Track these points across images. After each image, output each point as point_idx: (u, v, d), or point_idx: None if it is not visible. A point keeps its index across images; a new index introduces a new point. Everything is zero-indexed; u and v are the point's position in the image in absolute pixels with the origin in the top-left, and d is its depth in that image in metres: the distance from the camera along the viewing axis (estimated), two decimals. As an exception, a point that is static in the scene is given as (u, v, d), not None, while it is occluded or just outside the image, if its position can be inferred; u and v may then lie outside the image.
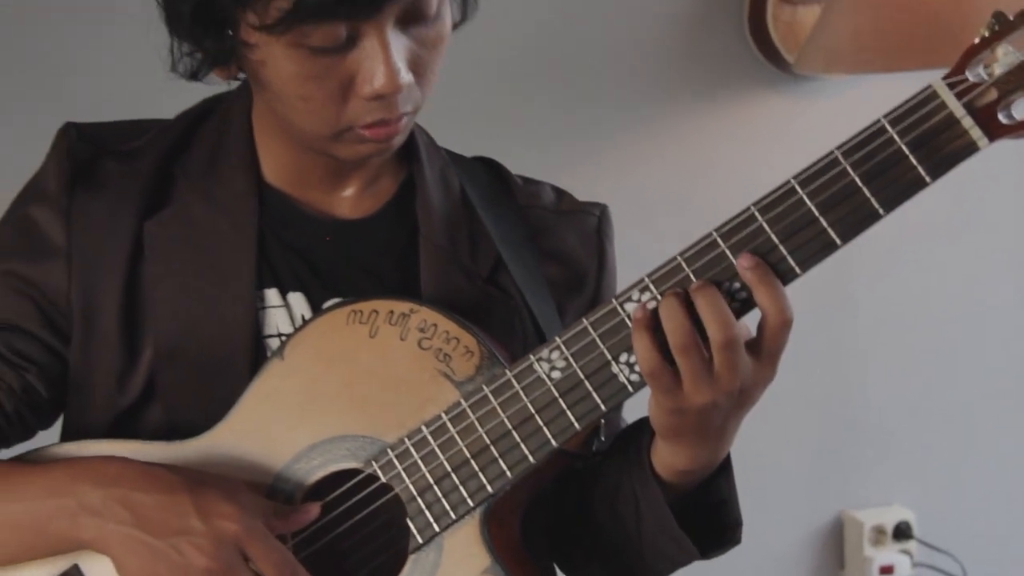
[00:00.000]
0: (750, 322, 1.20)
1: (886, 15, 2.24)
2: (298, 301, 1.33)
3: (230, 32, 1.18)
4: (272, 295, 1.33)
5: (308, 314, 1.32)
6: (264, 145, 1.35)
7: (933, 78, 1.14)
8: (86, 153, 1.33)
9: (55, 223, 1.31)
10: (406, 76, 1.20)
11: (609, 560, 1.39)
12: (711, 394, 1.17)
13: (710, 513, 1.32)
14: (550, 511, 1.39)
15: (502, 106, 2.56)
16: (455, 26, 1.28)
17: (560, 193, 1.47)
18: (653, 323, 1.17)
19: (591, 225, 1.44)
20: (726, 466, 1.31)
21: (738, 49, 2.75)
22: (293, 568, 1.19)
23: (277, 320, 1.32)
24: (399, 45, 1.20)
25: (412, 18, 1.20)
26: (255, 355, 1.30)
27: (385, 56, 1.18)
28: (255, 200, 1.33)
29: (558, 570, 1.45)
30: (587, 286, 1.43)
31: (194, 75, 1.25)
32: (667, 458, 1.27)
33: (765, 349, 1.18)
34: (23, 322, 1.30)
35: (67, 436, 1.34)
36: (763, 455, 2.73)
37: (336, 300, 1.31)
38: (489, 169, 1.47)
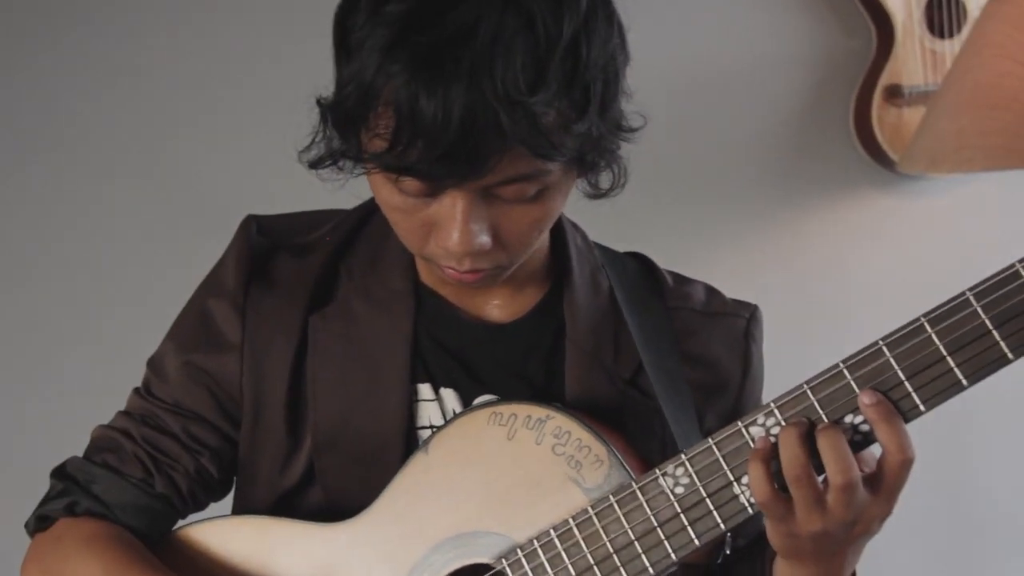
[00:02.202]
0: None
1: (989, 114, 2.23)
2: (450, 396, 1.40)
3: (354, 141, 1.24)
4: (425, 389, 1.40)
5: (458, 408, 1.39)
6: None
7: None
8: (263, 248, 1.43)
9: (231, 319, 1.40)
10: (480, 241, 1.24)
11: None
12: (822, 523, 1.20)
13: None
14: None
15: (603, 205, 2.62)
16: (604, 194, 1.32)
17: (711, 293, 1.49)
18: (770, 454, 1.20)
19: (739, 328, 1.47)
20: None
21: (844, 149, 2.82)
22: None
23: (429, 413, 1.40)
24: (482, 212, 1.23)
25: (502, 195, 1.23)
26: (408, 445, 1.37)
27: (460, 221, 1.22)
28: (411, 300, 1.41)
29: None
30: (730, 391, 1.45)
31: (314, 164, 1.30)
32: (786, 574, 1.30)
33: (884, 486, 1.21)
34: (200, 409, 1.40)
35: (236, 510, 1.44)
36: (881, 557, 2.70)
37: (481, 399, 1.38)
38: (640, 266, 1.50)
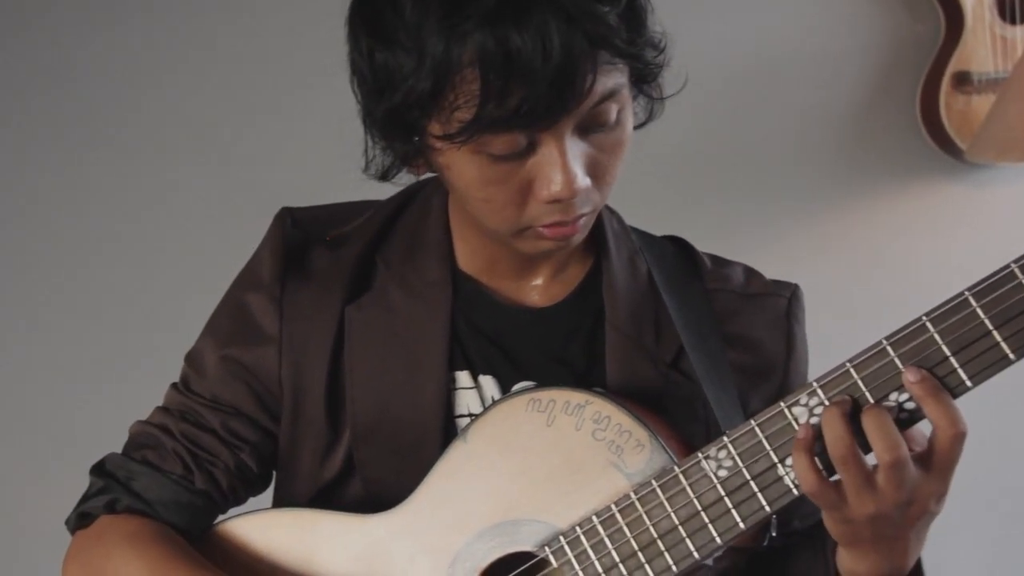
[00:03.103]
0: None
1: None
2: (489, 383, 1.39)
3: (417, 138, 1.25)
4: (464, 377, 1.39)
5: (497, 395, 1.38)
6: (458, 235, 1.41)
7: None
8: (299, 240, 1.42)
9: (269, 312, 1.40)
10: (583, 180, 1.23)
11: None
12: (875, 506, 1.17)
13: None
14: None
15: (672, 193, 2.62)
16: (639, 126, 1.32)
17: (750, 274, 1.47)
18: (812, 442, 1.18)
19: (780, 308, 1.44)
20: (917, 572, 1.29)
21: (910, 137, 2.77)
22: None
23: (468, 401, 1.38)
24: (577, 151, 1.23)
25: (590, 125, 1.23)
26: (446, 434, 1.36)
27: (563, 162, 1.22)
28: (449, 287, 1.40)
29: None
30: (775, 373, 1.43)
31: (384, 175, 1.32)
32: (848, 563, 1.27)
33: (936, 461, 1.17)
34: (239, 404, 1.40)
35: (276, 504, 1.44)
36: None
37: (519, 386, 1.36)
38: (679, 249, 1.48)
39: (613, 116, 1.24)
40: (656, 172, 2.53)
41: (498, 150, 1.22)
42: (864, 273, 2.75)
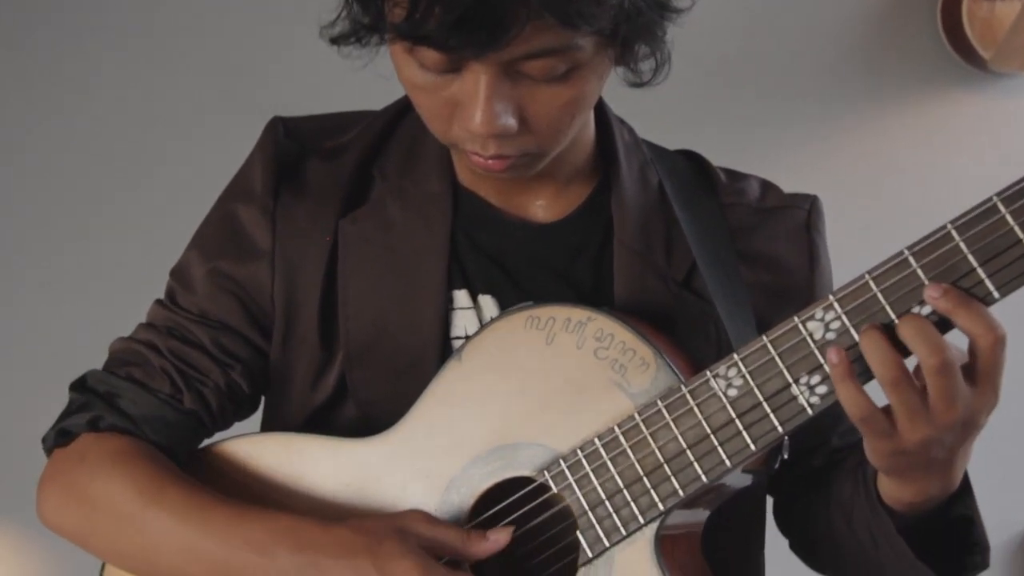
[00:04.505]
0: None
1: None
2: (488, 304, 1.32)
3: (375, 17, 1.16)
4: (462, 296, 1.32)
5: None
6: None
7: None
8: (291, 151, 1.35)
9: (261, 225, 1.33)
10: (505, 121, 1.15)
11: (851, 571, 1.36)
12: (928, 429, 1.09)
13: (952, 533, 1.24)
14: (745, 525, 1.34)
15: (691, 100, 2.55)
16: (646, 83, 1.23)
17: (767, 187, 1.40)
18: (851, 369, 1.10)
19: (799, 220, 1.37)
20: (964, 488, 1.23)
21: (931, 46, 2.70)
22: None
23: (466, 322, 1.32)
24: (505, 90, 1.14)
25: (529, 72, 1.14)
26: (443, 356, 1.29)
27: (482, 98, 1.13)
28: (448, 201, 1.33)
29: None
30: (799, 290, 1.35)
31: (335, 40, 1.21)
32: (893, 492, 1.20)
33: (981, 372, 1.09)
34: (229, 319, 1.33)
35: (266, 427, 1.38)
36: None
37: (518, 304, 1.29)
38: (692, 163, 1.41)
39: (559, 72, 1.14)
40: (668, 82, 2.46)
41: (426, 62, 1.14)
42: (884, 187, 2.69)
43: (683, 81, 2.41)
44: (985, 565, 1.24)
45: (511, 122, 1.15)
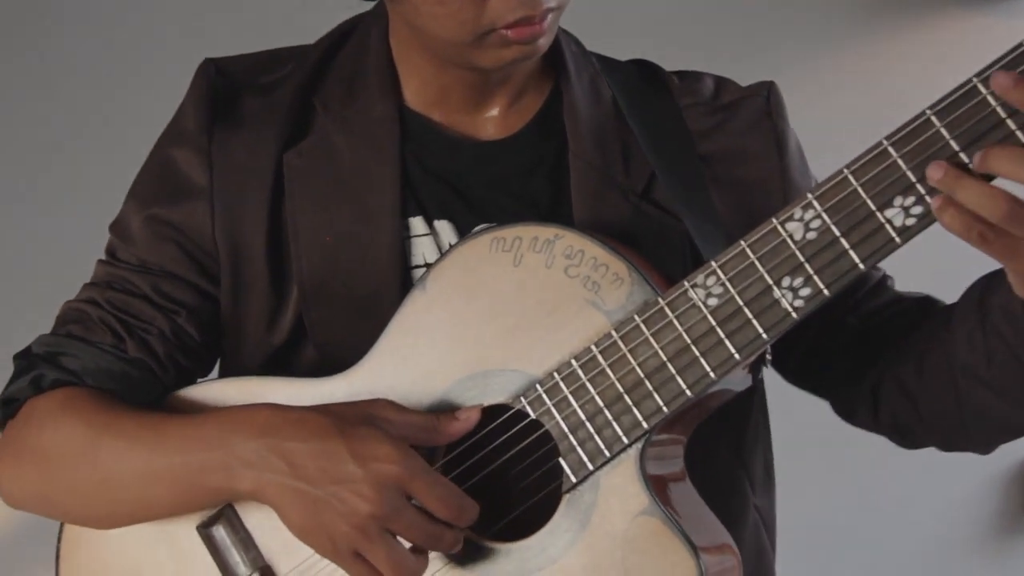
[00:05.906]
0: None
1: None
2: (445, 229, 1.27)
3: None
4: (418, 223, 1.27)
5: (455, 241, 1.25)
6: (404, 67, 1.29)
7: None
8: (225, 89, 1.30)
9: (196, 163, 1.28)
10: None
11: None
12: None
13: None
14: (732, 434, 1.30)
15: (676, 26, 2.51)
16: None
17: (720, 83, 1.35)
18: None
19: (758, 108, 1.32)
20: None
21: None
22: (459, 499, 1.13)
23: (424, 249, 1.27)
24: None
25: None
26: (403, 287, 1.24)
27: None
28: (396, 126, 1.28)
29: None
30: (770, 178, 1.31)
31: None
32: None
33: None
34: (170, 266, 1.27)
35: (224, 373, 1.32)
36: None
37: (481, 227, 1.24)
38: (644, 71, 1.36)
39: None
40: (670, 12, 2.42)
41: None
42: (877, 108, 2.62)
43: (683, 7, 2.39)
44: None
45: None
